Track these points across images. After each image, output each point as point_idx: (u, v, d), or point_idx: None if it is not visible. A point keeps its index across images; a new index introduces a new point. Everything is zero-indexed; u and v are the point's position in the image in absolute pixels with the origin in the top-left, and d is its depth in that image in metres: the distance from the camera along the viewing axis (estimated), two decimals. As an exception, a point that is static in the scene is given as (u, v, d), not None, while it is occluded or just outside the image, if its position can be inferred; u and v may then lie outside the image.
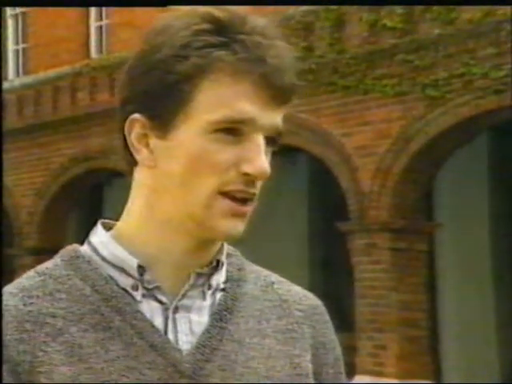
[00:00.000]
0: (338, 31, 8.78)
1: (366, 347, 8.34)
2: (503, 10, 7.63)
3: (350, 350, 8.25)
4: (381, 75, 8.42)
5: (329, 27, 8.83)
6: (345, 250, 8.74)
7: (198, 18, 1.01)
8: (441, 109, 8.03)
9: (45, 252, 10.97)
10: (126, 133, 1.03)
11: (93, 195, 12.59)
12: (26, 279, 1.03)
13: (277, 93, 1.01)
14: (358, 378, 8.20)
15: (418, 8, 8.18)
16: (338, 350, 1.13)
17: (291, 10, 8.99)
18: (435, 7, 8.05)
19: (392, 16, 8.34)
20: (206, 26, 1.00)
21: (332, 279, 10.89)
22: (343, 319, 9.60)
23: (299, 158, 10.73)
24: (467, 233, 10.01)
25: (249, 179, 1.00)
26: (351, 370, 8.02)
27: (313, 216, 11.40)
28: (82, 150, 11.32)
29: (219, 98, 0.99)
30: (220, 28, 1.00)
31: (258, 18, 1.03)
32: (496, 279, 9.99)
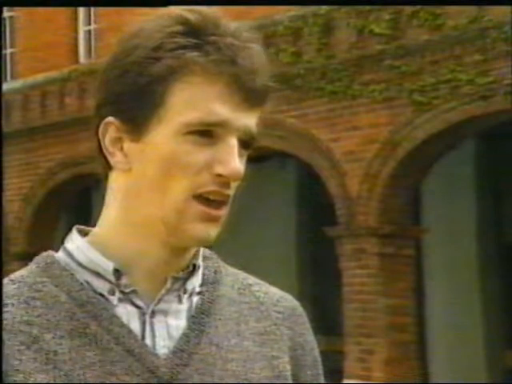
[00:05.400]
0: (326, 37, 8.81)
1: (353, 352, 8.35)
2: (489, 17, 7.69)
3: (337, 355, 8.27)
4: (368, 81, 8.45)
5: (317, 33, 8.85)
6: (333, 255, 8.76)
7: (170, 20, 1.00)
8: (428, 114, 8.07)
9: (32, 258, 10.89)
10: (100, 136, 1.03)
11: (81, 200, 12.55)
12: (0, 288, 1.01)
13: (249, 94, 0.99)
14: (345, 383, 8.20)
15: (405, 14, 8.23)
16: (317, 352, 1.12)
17: (279, 15, 9.01)
18: (422, 13, 8.09)
19: (379, 22, 8.38)
20: (178, 28, 0.99)
21: (320, 283, 10.90)
22: (331, 324, 9.62)
23: (287, 163, 10.75)
24: (454, 237, 10.05)
25: (222, 180, 0.98)
26: (339, 375, 8.03)
27: (301, 221, 11.42)
28: (70, 154, 11.30)
29: (192, 99, 0.98)
30: (192, 30, 0.99)
31: (230, 21, 1.02)
32: (483, 284, 10.03)
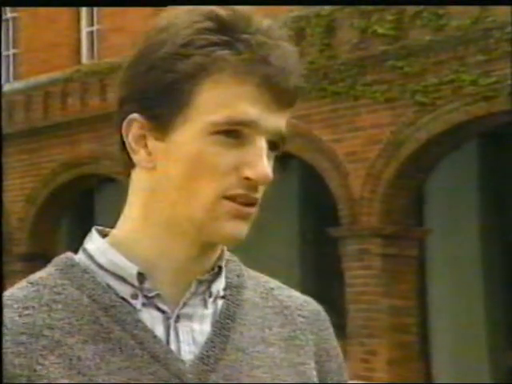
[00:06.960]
0: (329, 37, 8.81)
1: (356, 352, 8.35)
2: (492, 18, 7.68)
3: (340, 356, 8.26)
4: (371, 81, 8.45)
5: (319, 33, 8.85)
6: (336, 256, 8.76)
7: (200, 16, 0.97)
8: (431, 115, 8.07)
9: (35, 258, 10.94)
10: (124, 133, 0.98)
11: (83, 201, 12.56)
12: (19, 290, 0.98)
13: (280, 95, 0.97)
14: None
15: (408, 15, 8.22)
16: (341, 357, 1.10)
17: (282, 15, 9.01)
18: (425, 14, 8.09)
19: (382, 22, 8.37)
20: (208, 24, 0.96)
21: (323, 284, 10.90)
22: (334, 324, 9.59)
23: (290, 163, 10.74)
24: (457, 238, 10.04)
25: (250, 184, 0.96)
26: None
27: (304, 222, 11.42)
28: (73, 155, 11.31)
29: (221, 98, 0.95)
30: (223, 27, 0.96)
31: (263, 18, 0.99)
32: (486, 284, 10.02)
